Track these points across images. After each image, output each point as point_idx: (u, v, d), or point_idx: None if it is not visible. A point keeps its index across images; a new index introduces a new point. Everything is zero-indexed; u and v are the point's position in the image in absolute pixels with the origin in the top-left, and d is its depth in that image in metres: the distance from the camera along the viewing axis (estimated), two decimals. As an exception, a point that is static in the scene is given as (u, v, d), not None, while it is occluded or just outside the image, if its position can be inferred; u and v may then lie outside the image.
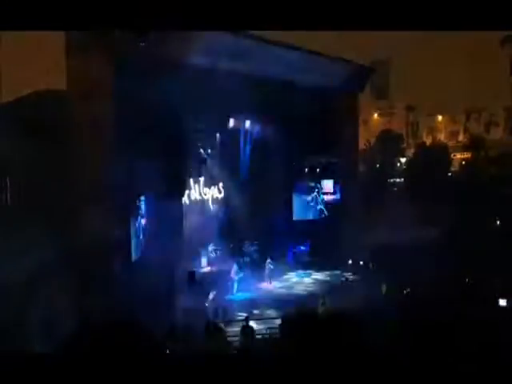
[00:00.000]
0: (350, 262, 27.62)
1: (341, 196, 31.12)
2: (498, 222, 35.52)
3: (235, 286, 23.73)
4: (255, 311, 20.82)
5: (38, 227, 16.01)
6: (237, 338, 15.75)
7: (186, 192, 24.74)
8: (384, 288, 22.84)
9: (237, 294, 23.59)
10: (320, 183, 31.22)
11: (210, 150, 26.40)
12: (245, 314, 18.58)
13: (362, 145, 47.95)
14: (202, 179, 26.58)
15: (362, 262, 27.82)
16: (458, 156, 61.75)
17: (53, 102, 17.57)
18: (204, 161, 25.16)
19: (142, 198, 21.54)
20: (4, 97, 18.10)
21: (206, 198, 27.82)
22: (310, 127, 28.64)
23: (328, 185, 31.23)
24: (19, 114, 16.70)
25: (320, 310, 19.29)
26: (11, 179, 17.24)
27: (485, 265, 23.91)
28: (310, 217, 31.21)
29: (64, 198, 17.42)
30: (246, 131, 27.44)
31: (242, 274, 24.07)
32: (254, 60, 24.32)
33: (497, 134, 73.24)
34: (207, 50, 21.89)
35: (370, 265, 27.07)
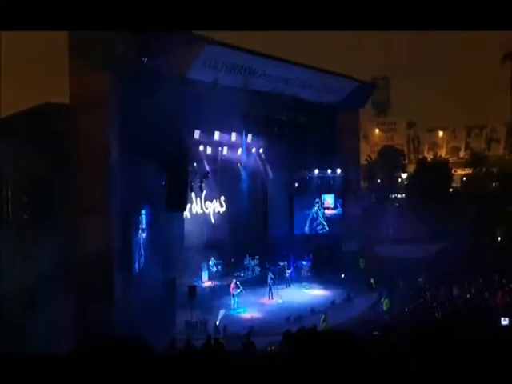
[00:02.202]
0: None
1: (342, 211, 31.13)
2: (499, 238, 35.49)
3: (235, 301, 23.63)
4: (256, 326, 20.69)
5: (39, 240, 16.02)
6: (238, 354, 15.65)
7: (188, 206, 24.75)
8: (386, 304, 22.71)
9: (237, 309, 23.48)
10: (321, 198, 31.25)
11: (211, 165, 26.48)
12: (246, 330, 18.50)
13: (363, 160, 48.01)
14: (203, 193, 26.59)
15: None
16: (459, 172, 61.80)
17: (55, 115, 17.65)
18: (206, 175, 25.19)
19: (143, 211, 21.55)
20: (7, 110, 18.17)
21: (207, 211, 27.83)
22: (312, 142, 28.75)
23: (329, 199, 31.25)
24: (22, 127, 16.77)
25: (321, 326, 19.21)
26: (13, 192, 17.26)
27: (485, 280, 23.86)
28: (312, 231, 31.21)
29: (65, 211, 17.43)
30: (247, 146, 27.55)
31: (241, 289, 23.97)
32: (255, 76, 24.46)
33: (498, 150, 73.36)
34: (209, 66, 22.05)
35: (372, 280, 26.97)
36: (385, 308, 22.55)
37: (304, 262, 30.02)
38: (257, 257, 28.31)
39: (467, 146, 74.83)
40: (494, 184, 49.46)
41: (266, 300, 25.28)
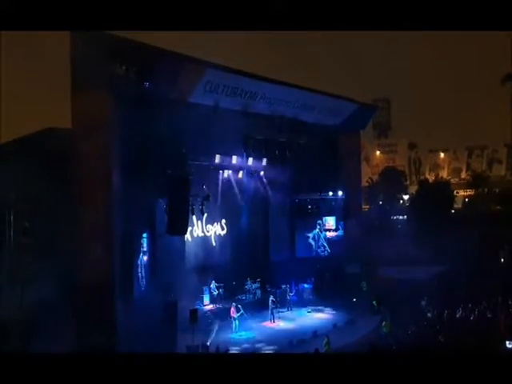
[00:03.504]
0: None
1: (343, 233, 31.09)
2: (502, 259, 35.33)
3: (236, 324, 23.47)
4: (258, 350, 20.53)
5: (40, 264, 16.01)
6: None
7: (189, 229, 24.69)
8: (386, 327, 22.47)
9: (238, 332, 23.30)
10: (322, 220, 31.24)
11: (212, 188, 26.49)
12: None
13: (364, 182, 48.07)
14: (204, 216, 26.55)
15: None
16: (461, 193, 61.79)
17: (57, 140, 17.78)
18: (207, 198, 25.20)
19: (145, 234, 21.54)
20: (9, 136, 18.33)
21: (208, 234, 27.78)
22: (313, 164, 28.80)
23: (330, 222, 31.23)
24: (23, 153, 16.88)
25: (324, 349, 19.06)
26: (15, 217, 17.31)
27: (489, 302, 23.68)
28: (313, 254, 31.12)
29: (67, 236, 17.45)
30: (248, 168, 27.62)
31: (241, 312, 23.81)
32: (255, 99, 24.62)
33: (499, 170, 73.49)
34: (209, 90, 22.21)
35: (374, 302, 26.76)
36: (385, 330, 22.34)
37: (306, 285, 29.88)
38: (258, 280, 28.16)
39: (468, 167, 74.97)
40: (496, 205, 49.38)
41: (267, 323, 25.10)
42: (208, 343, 20.65)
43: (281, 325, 25.08)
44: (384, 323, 22.81)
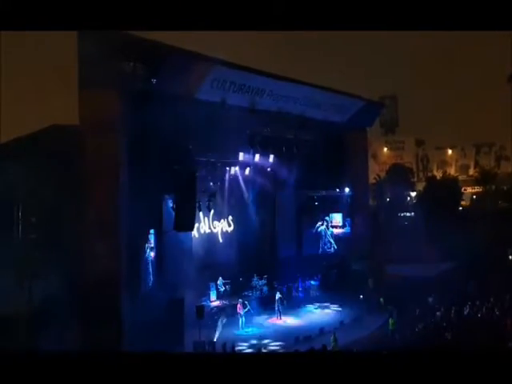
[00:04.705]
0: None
1: (350, 229, 31.04)
2: (510, 257, 35.17)
3: (242, 321, 23.50)
4: (264, 347, 20.55)
5: (48, 260, 16.08)
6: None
7: (196, 225, 24.73)
8: (391, 324, 22.39)
9: (245, 329, 23.34)
10: (329, 217, 31.20)
11: (219, 184, 26.53)
12: (254, 349, 18.38)
13: (371, 179, 47.91)
14: (211, 212, 26.59)
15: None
16: (469, 190, 61.56)
17: (64, 137, 17.83)
18: (214, 194, 25.24)
19: (152, 231, 21.59)
20: (18, 133, 18.41)
21: (215, 231, 27.81)
22: (320, 161, 28.77)
23: (337, 218, 31.20)
24: (30, 150, 16.95)
25: (331, 345, 19.06)
26: (23, 213, 17.39)
27: (496, 300, 23.59)
28: (320, 251, 31.09)
29: (74, 232, 17.51)
30: (255, 165, 27.61)
31: (248, 308, 23.85)
32: (262, 96, 24.61)
33: (507, 168, 73.15)
34: (217, 87, 22.20)
35: (381, 300, 26.71)
36: (390, 328, 22.25)
37: (312, 282, 29.86)
38: (265, 276, 28.17)
39: (476, 164, 74.60)
40: (504, 202, 49.18)
41: (274, 320, 25.11)
42: (214, 339, 20.69)
43: (287, 321, 25.09)
44: (390, 320, 22.75)
